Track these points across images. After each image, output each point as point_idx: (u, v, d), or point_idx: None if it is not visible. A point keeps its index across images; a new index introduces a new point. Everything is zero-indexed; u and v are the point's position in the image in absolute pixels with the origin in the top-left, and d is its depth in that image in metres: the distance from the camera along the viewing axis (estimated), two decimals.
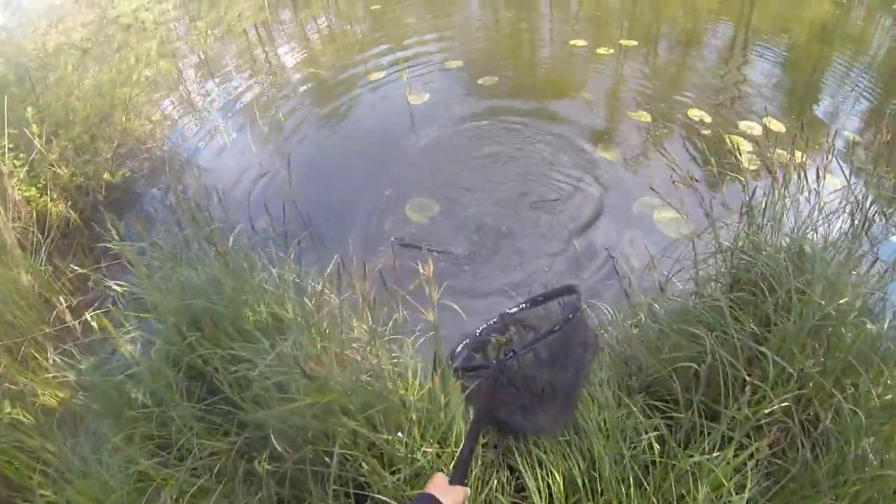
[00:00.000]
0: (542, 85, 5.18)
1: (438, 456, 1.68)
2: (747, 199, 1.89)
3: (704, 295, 1.96)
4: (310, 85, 5.63)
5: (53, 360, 2.14)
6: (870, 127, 4.20)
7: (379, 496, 1.55)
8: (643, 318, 2.13)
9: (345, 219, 3.52)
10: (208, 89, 5.83)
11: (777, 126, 4.15)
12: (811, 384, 1.70)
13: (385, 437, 1.60)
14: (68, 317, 2.16)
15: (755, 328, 1.72)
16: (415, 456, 1.62)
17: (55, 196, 3.81)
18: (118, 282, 2.26)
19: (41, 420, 2.07)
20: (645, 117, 4.39)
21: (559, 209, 3.46)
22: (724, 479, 1.48)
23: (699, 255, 1.95)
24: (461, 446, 1.38)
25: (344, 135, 4.60)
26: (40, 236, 3.32)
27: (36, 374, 2.24)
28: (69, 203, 3.86)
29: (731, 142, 3.83)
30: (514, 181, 3.75)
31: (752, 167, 3.54)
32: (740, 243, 1.92)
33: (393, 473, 1.62)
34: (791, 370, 1.63)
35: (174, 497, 1.64)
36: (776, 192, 1.95)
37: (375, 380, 1.65)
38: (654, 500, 1.57)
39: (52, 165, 3.95)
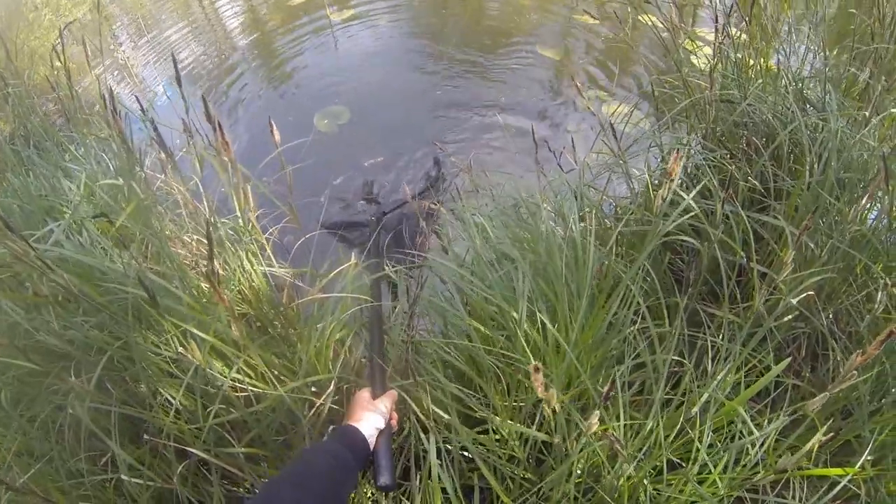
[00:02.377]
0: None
1: None
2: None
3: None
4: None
5: None
6: None
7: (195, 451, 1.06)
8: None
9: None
10: (136, 42, 5.02)
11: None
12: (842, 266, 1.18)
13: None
14: None
15: (754, 182, 1.24)
16: None
17: None
18: None
19: None
20: (590, 20, 3.92)
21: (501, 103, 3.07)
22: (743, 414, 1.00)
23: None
24: (369, 347, 1.17)
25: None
26: None
27: None
28: None
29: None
30: (446, 83, 3.31)
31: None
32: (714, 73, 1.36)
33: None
34: (812, 246, 1.18)
35: None
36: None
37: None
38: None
39: None
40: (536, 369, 0.67)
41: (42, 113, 2.94)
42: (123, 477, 0.98)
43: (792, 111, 1.18)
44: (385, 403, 1.03)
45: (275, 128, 1.14)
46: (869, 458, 1.04)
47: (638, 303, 1.02)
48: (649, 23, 3.71)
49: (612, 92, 3.09)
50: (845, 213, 1.08)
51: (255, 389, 1.06)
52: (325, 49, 3.94)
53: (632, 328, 1.06)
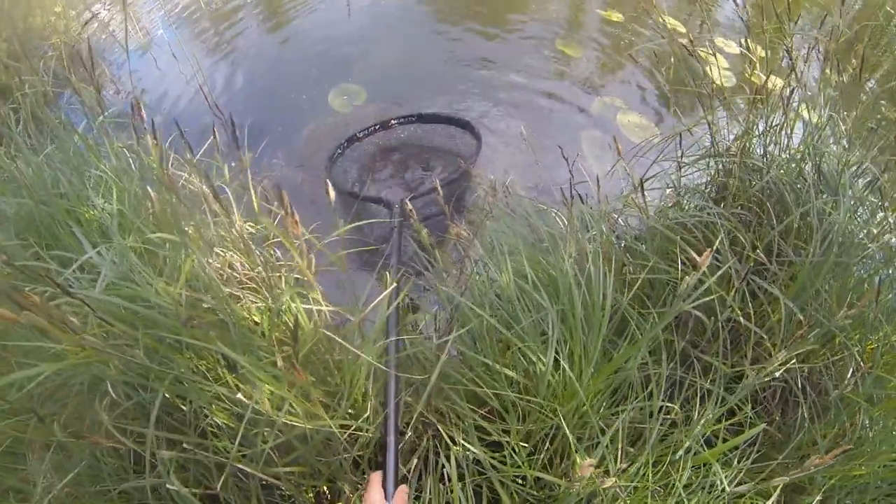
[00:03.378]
0: None
1: None
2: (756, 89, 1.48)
3: (685, 208, 1.61)
4: None
5: None
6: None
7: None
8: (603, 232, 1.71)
9: (262, 105, 3.04)
10: None
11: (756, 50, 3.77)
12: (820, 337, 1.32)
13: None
14: None
15: (761, 255, 1.37)
16: None
17: None
18: None
19: None
20: (615, 16, 3.92)
21: (511, 101, 3.04)
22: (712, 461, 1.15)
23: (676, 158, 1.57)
24: (383, 434, 1.10)
25: (277, 36, 3.82)
26: None
27: None
28: None
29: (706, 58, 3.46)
30: (461, 73, 3.24)
31: (728, 85, 3.21)
32: (745, 142, 1.49)
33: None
34: (801, 318, 1.31)
35: None
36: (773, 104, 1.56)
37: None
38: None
39: None
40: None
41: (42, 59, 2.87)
42: (170, 486, 1.06)
43: (807, 191, 1.29)
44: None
45: (330, 187, 1.15)
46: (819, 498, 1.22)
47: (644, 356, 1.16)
48: (668, 24, 3.78)
49: (628, 102, 3.10)
50: (833, 297, 1.23)
51: (298, 423, 1.09)
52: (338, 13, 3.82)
53: (636, 373, 1.20)
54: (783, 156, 1.43)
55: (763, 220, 1.40)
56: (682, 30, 3.84)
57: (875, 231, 1.30)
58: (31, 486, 1.08)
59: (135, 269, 1.10)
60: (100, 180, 1.53)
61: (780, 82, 1.63)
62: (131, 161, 1.59)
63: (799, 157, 1.42)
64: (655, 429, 1.13)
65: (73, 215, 1.46)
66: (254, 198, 1.39)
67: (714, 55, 3.48)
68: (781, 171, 1.38)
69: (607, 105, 3.02)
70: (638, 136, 2.81)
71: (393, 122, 2.61)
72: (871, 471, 1.24)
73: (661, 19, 3.86)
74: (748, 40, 1.75)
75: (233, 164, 1.63)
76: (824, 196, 1.29)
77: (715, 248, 1.03)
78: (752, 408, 1.34)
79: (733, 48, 3.73)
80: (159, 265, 1.23)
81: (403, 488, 1.05)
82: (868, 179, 1.46)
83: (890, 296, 1.31)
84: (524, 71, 3.23)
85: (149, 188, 1.29)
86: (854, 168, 1.39)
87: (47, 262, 1.24)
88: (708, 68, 3.33)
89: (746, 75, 2.91)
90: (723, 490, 1.13)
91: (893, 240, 1.28)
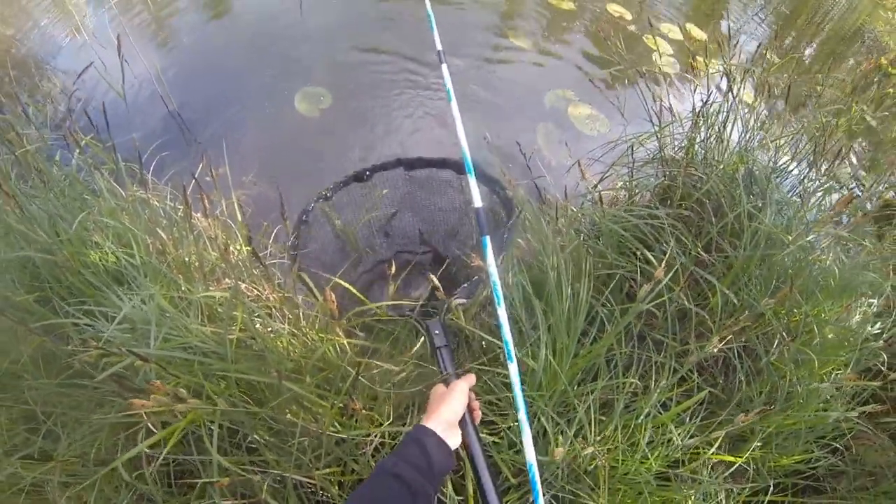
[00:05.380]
0: None
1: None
2: (700, 102, 1.73)
3: (637, 206, 1.85)
4: None
5: None
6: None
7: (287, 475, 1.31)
8: (563, 226, 1.89)
9: (227, 117, 2.99)
10: None
11: (698, 34, 4.04)
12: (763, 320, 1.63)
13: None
14: None
15: (701, 252, 1.62)
16: None
17: None
18: None
19: None
20: (567, 4, 4.11)
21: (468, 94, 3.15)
22: (668, 423, 1.43)
23: (626, 160, 1.81)
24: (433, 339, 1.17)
25: (226, 26, 3.86)
26: None
27: None
28: None
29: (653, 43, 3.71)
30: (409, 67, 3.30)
31: (671, 72, 3.46)
32: (689, 154, 1.78)
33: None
34: (735, 301, 1.58)
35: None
36: (718, 103, 1.81)
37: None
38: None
39: None
40: None
41: None
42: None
43: (739, 195, 1.56)
44: (461, 393, 0.99)
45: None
46: (758, 444, 1.51)
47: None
48: (616, 12, 4.00)
49: (579, 93, 3.28)
50: (762, 283, 1.51)
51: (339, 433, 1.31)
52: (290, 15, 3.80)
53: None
54: (720, 164, 1.68)
55: (704, 219, 1.66)
56: (629, 16, 4.07)
57: (796, 227, 1.58)
58: None
59: (173, 318, 1.26)
60: (100, 222, 1.54)
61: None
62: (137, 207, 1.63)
63: (733, 163, 1.68)
64: (621, 399, 1.39)
65: (79, 260, 1.48)
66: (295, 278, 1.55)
67: (655, 41, 3.75)
68: (718, 179, 1.63)
69: (559, 97, 3.22)
70: (588, 127, 3.04)
71: (367, 172, 2.04)
72: (800, 420, 1.55)
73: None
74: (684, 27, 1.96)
75: (207, 179, 1.70)
76: (754, 199, 1.55)
77: (665, 260, 1.27)
78: (700, 375, 1.63)
79: (677, 34, 3.98)
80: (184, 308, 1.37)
81: (468, 375, 1.06)
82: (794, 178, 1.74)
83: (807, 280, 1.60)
84: (477, 59, 3.40)
85: (160, 231, 1.42)
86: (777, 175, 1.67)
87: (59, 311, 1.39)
88: (654, 55, 3.59)
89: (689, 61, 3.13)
90: (678, 445, 1.41)
91: (809, 237, 1.56)
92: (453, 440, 0.92)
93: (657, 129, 1.77)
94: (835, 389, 1.61)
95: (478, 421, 1.03)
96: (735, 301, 1.52)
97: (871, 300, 1.73)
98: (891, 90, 3.28)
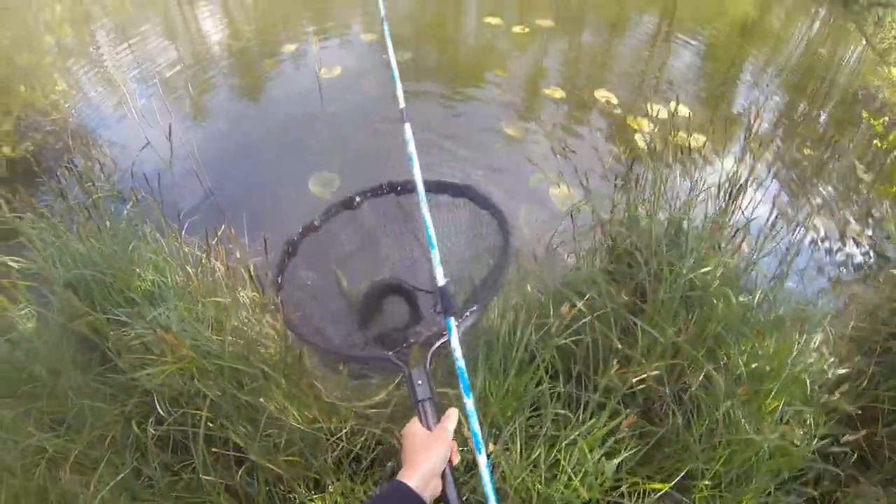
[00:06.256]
0: (455, 62, 5.26)
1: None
2: (624, 172, 2.04)
3: (582, 268, 2.09)
4: (226, 56, 5.39)
5: None
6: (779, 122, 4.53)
7: (256, 459, 1.58)
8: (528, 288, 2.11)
9: (250, 193, 3.49)
10: (120, 59, 5.49)
11: (684, 111, 4.39)
12: (683, 354, 1.81)
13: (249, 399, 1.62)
14: None
15: (628, 298, 1.84)
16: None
17: None
18: (14, 257, 2.19)
19: None
20: (558, 93, 4.51)
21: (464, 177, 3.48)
22: (586, 449, 1.59)
23: (582, 228, 2.08)
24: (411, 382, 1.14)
25: (256, 109, 4.49)
26: None
27: None
28: None
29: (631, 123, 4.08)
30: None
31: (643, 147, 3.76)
32: (618, 216, 2.04)
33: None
34: (661, 340, 1.75)
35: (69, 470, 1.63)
36: (655, 169, 2.10)
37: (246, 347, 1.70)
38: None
39: None
40: None
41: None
42: (204, 477, 1.52)
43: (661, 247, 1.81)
44: (445, 440, 0.98)
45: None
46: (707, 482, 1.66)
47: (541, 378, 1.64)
48: (603, 97, 4.41)
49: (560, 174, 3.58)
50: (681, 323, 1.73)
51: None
52: (312, 102, 4.38)
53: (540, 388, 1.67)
54: (644, 222, 1.95)
55: (634, 270, 1.91)
56: (615, 101, 4.47)
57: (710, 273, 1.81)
58: None
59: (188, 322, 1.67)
60: (142, 258, 2.02)
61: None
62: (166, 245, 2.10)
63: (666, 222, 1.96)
64: (547, 425, 1.59)
65: (125, 282, 1.93)
66: None
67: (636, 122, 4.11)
68: (648, 235, 1.89)
69: (541, 179, 3.53)
70: (565, 204, 3.33)
71: (357, 198, 1.90)
72: (746, 460, 1.68)
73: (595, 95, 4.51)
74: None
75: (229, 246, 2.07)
76: (673, 251, 1.81)
77: (579, 306, 1.52)
78: (645, 417, 1.81)
79: (663, 113, 4.33)
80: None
81: (451, 413, 1.04)
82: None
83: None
84: (476, 149, 3.79)
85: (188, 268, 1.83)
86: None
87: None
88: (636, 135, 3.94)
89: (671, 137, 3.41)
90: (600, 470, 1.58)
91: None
92: (432, 492, 0.92)
93: (588, 198, 2.06)
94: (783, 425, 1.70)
95: (455, 462, 1.00)
96: (661, 339, 1.73)
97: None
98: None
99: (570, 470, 1.53)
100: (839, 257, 3.19)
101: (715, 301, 1.84)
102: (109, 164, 3.62)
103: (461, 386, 1.08)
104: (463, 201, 1.85)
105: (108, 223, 2.10)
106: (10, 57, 4.93)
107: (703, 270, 1.78)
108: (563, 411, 1.64)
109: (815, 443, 1.70)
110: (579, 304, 1.59)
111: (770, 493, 1.73)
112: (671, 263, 1.79)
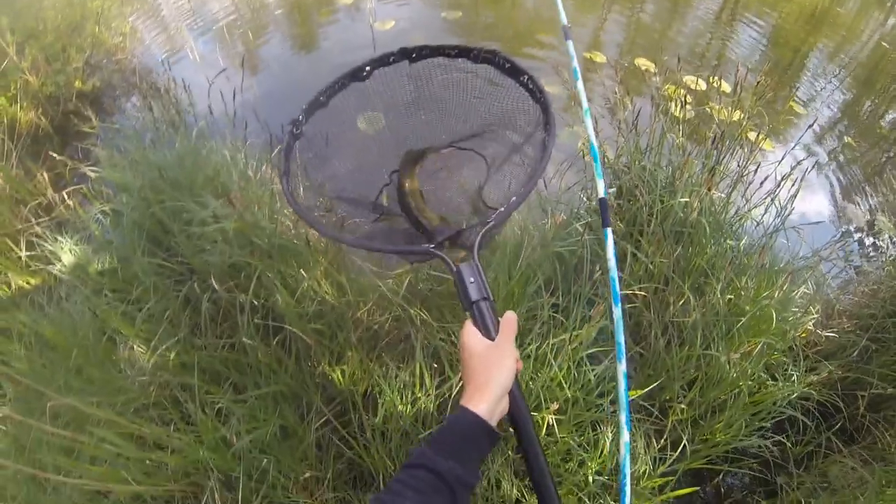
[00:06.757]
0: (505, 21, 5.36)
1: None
2: (632, 120, 2.24)
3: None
4: (281, 4, 5.68)
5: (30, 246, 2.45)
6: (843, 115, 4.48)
7: (291, 328, 1.82)
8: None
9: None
10: (180, 5, 5.84)
11: (726, 87, 4.40)
12: (672, 286, 2.01)
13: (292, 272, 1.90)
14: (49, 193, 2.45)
15: (624, 228, 2.08)
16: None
17: (25, 104, 3.98)
18: (92, 167, 2.54)
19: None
20: (599, 58, 4.62)
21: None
22: (570, 350, 1.75)
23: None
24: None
25: (309, 58, 4.75)
26: (10, 144, 3.45)
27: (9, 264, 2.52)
28: (39, 111, 4.00)
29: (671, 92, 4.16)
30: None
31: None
32: (623, 158, 2.27)
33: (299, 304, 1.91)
34: (650, 266, 1.99)
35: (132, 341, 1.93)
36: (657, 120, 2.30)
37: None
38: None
39: (24, 73, 4.10)
40: None
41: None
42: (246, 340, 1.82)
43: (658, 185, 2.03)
44: (510, 353, 0.88)
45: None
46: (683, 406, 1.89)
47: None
48: (642, 65, 4.48)
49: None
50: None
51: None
52: (364, 53, 4.51)
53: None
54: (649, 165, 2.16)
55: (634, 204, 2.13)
56: (653, 69, 4.55)
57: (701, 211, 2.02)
58: None
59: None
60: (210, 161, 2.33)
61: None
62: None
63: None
64: (539, 324, 1.82)
65: (191, 178, 2.23)
66: None
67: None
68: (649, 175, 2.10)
69: (573, 133, 3.69)
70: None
71: (367, 67, 1.63)
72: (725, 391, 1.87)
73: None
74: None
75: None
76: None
77: (577, 226, 1.74)
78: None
79: (702, 86, 4.38)
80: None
81: (509, 318, 0.94)
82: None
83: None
84: None
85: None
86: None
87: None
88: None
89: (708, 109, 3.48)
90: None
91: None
92: (501, 413, 0.85)
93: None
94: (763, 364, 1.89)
95: (519, 370, 0.90)
96: (650, 265, 1.95)
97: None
98: None
99: (555, 365, 1.73)
100: (859, 242, 3.29)
101: (703, 241, 2.05)
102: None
103: (612, 296, 1.00)
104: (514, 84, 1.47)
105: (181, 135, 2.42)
106: (84, 1, 5.30)
107: (693, 208, 1.97)
108: (558, 316, 1.86)
109: (793, 389, 1.88)
110: (577, 225, 1.79)
111: (743, 427, 1.89)
112: (663, 200, 1.99)
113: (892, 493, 1.76)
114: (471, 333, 0.92)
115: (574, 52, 1.36)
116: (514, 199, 1.10)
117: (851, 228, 3.37)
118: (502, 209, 1.10)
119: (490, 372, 0.84)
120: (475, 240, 1.10)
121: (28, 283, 2.52)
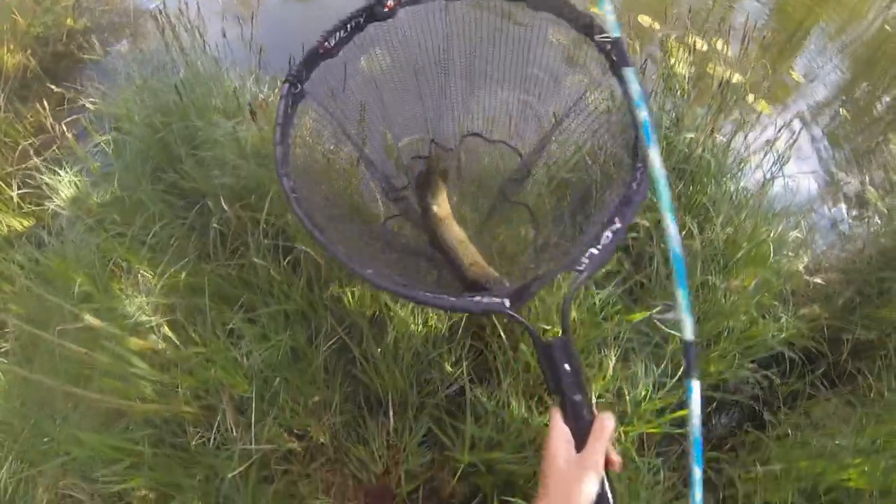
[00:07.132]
0: None
1: None
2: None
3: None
4: None
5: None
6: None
7: (303, 247, 1.83)
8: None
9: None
10: None
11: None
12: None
13: None
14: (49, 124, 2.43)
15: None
16: None
17: (12, 46, 3.84)
18: (91, 99, 2.50)
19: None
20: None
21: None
22: None
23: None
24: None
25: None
26: None
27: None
28: (28, 52, 3.87)
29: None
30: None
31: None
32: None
33: None
34: (653, 198, 2.05)
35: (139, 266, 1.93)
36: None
37: None
38: None
39: (13, 13, 3.96)
40: None
41: None
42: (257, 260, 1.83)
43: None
44: (598, 468, 0.75)
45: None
46: None
47: None
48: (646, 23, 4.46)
49: None
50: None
51: None
52: None
53: None
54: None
55: None
56: (657, 27, 4.52)
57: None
58: None
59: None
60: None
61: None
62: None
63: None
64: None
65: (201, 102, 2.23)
66: None
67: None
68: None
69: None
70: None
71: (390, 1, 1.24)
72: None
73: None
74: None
75: None
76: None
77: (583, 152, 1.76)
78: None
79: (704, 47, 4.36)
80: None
81: (605, 421, 0.79)
82: None
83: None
84: None
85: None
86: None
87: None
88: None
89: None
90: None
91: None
92: None
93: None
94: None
95: (614, 469, 0.78)
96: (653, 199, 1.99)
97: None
98: None
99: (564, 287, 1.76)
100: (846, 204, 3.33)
101: (705, 180, 2.10)
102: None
103: (694, 458, 0.79)
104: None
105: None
106: None
107: (699, 144, 2.01)
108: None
109: (783, 326, 1.97)
110: (583, 150, 1.79)
111: (735, 357, 1.96)
112: (668, 139, 2.03)
113: (871, 430, 1.83)
114: (558, 437, 0.79)
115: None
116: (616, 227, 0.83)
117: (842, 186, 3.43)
118: (596, 249, 0.82)
119: (569, 499, 0.73)
120: (567, 298, 0.81)
121: (22, 224, 2.52)
